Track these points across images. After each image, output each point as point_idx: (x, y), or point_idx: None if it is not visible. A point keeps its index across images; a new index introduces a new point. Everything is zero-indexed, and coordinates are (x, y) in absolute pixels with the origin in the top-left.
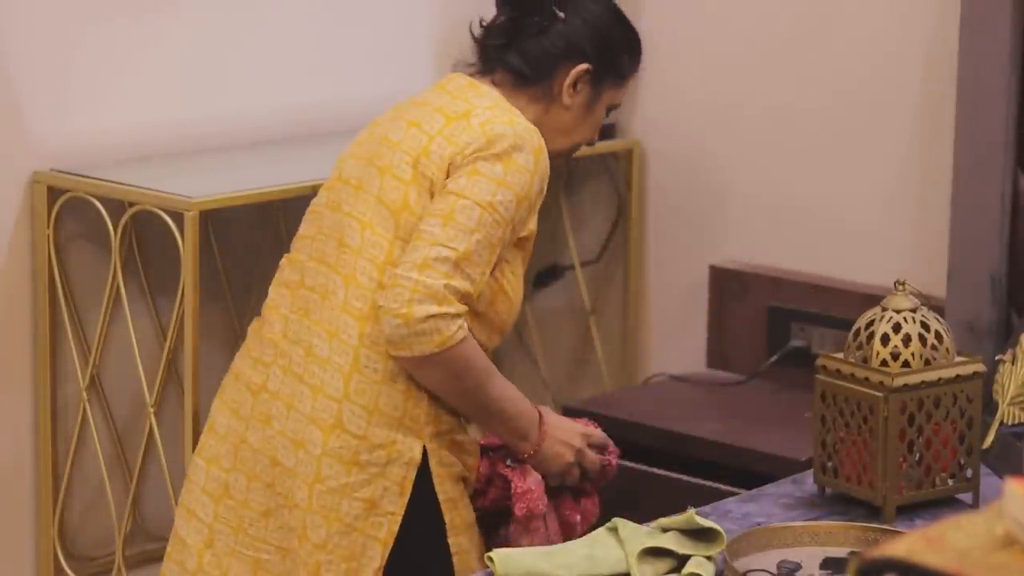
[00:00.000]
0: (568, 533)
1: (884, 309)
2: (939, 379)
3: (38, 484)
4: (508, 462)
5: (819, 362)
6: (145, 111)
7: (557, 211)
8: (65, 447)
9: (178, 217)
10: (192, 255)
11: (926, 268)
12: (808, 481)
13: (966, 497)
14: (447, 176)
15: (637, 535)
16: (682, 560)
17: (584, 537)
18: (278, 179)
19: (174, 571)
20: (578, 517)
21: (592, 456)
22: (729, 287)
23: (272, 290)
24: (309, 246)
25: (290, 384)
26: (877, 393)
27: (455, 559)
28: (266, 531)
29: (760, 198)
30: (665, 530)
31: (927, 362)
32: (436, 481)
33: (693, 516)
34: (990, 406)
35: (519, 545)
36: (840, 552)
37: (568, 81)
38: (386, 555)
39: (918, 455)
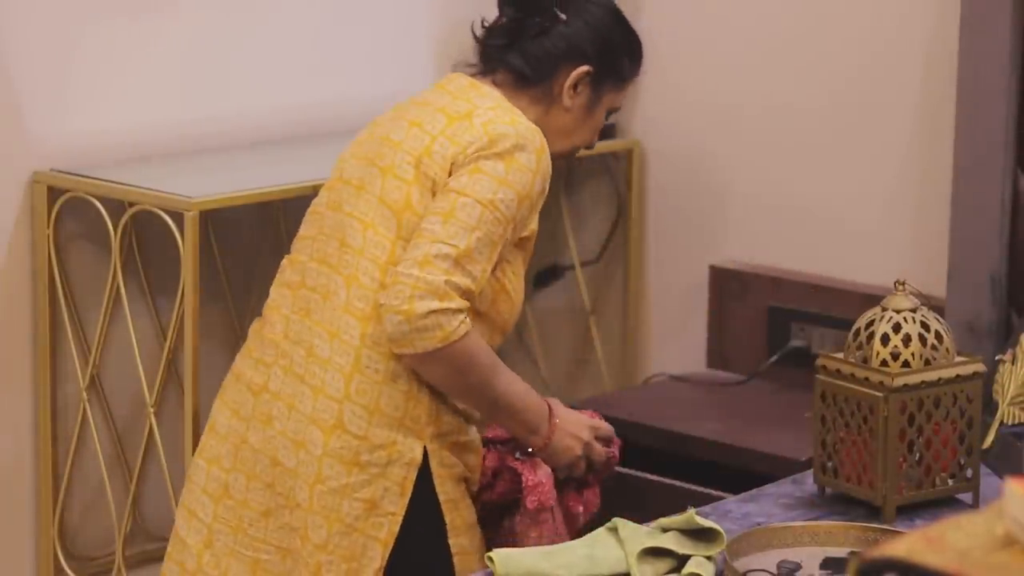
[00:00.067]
0: (571, 524)
1: (884, 309)
2: (939, 379)
3: (38, 484)
4: (517, 455)
5: (819, 362)
6: (145, 111)
7: (557, 211)
8: (65, 447)
9: (178, 217)
10: (192, 255)
11: (926, 268)
12: (808, 481)
13: (966, 497)
14: (449, 176)
15: (637, 535)
16: (682, 560)
17: (584, 537)
18: (278, 179)
19: (174, 571)
20: (581, 508)
21: (599, 449)
22: (729, 287)
23: (273, 291)
24: (310, 247)
25: (291, 384)
26: (877, 393)
27: (456, 560)
28: (266, 531)
29: (760, 198)
30: (665, 530)
31: (927, 362)
32: (437, 482)
33: (693, 516)
34: (990, 406)
35: (527, 537)
36: (840, 552)
37: (569, 82)
38: (386, 555)
39: (918, 455)
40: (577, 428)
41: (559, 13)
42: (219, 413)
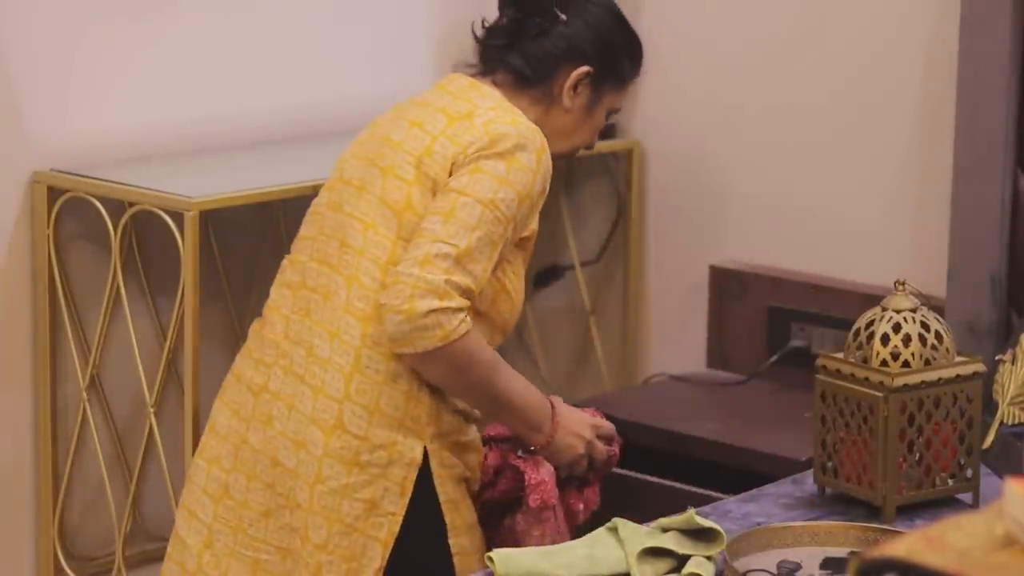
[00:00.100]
0: (571, 522)
1: (884, 309)
2: (939, 379)
3: (38, 484)
4: (519, 453)
5: (819, 362)
6: (145, 111)
7: (557, 211)
8: (65, 447)
9: (178, 217)
10: (192, 255)
11: (926, 268)
12: (808, 481)
13: (966, 497)
14: (450, 175)
15: (637, 535)
16: (682, 560)
17: (584, 537)
18: (278, 179)
19: (174, 571)
20: (581, 506)
21: (601, 447)
22: (729, 287)
23: (273, 291)
24: (310, 247)
25: (291, 385)
26: (877, 393)
27: (456, 560)
28: (266, 531)
29: (760, 198)
30: (665, 530)
31: (927, 362)
32: (437, 482)
33: (693, 516)
34: (990, 406)
35: (530, 536)
36: (840, 552)
37: (569, 83)
38: (387, 556)
39: (918, 455)
40: (579, 426)
41: (559, 13)
42: (219, 413)
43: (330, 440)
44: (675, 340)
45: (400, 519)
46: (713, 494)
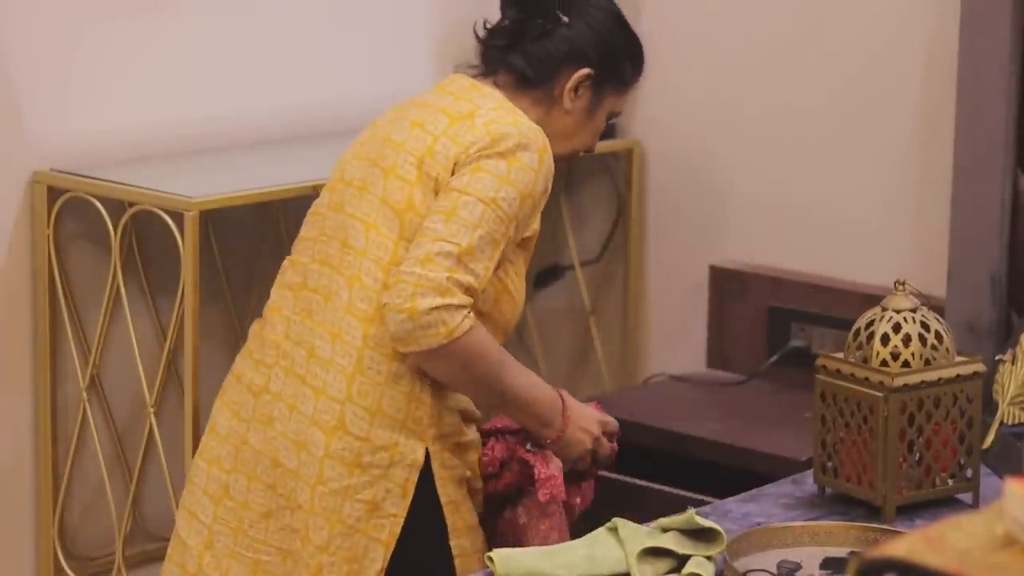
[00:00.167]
0: (568, 516)
1: (884, 309)
2: (939, 379)
3: (38, 484)
4: (528, 447)
5: (819, 362)
6: (145, 111)
7: (557, 211)
8: (65, 447)
9: (178, 217)
10: (192, 255)
11: (926, 268)
12: (808, 481)
13: (966, 497)
14: (452, 175)
15: (637, 535)
16: (682, 560)
17: (584, 537)
18: (278, 179)
19: (174, 572)
20: (578, 500)
21: (606, 444)
22: (729, 287)
23: (274, 292)
24: (311, 248)
25: (292, 385)
26: (877, 393)
27: (457, 561)
28: (266, 532)
29: (760, 198)
30: (665, 530)
31: (927, 362)
32: (438, 483)
33: (693, 516)
34: (990, 406)
35: (536, 529)
36: (840, 552)
37: (570, 85)
38: (388, 557)
39: (918, 455)
40: (587, 422)
41: (561, 15)
42: (219, 414)
43: (331, 441)
44: (675, 340)
45: (401, 520)
46: (706, 499)
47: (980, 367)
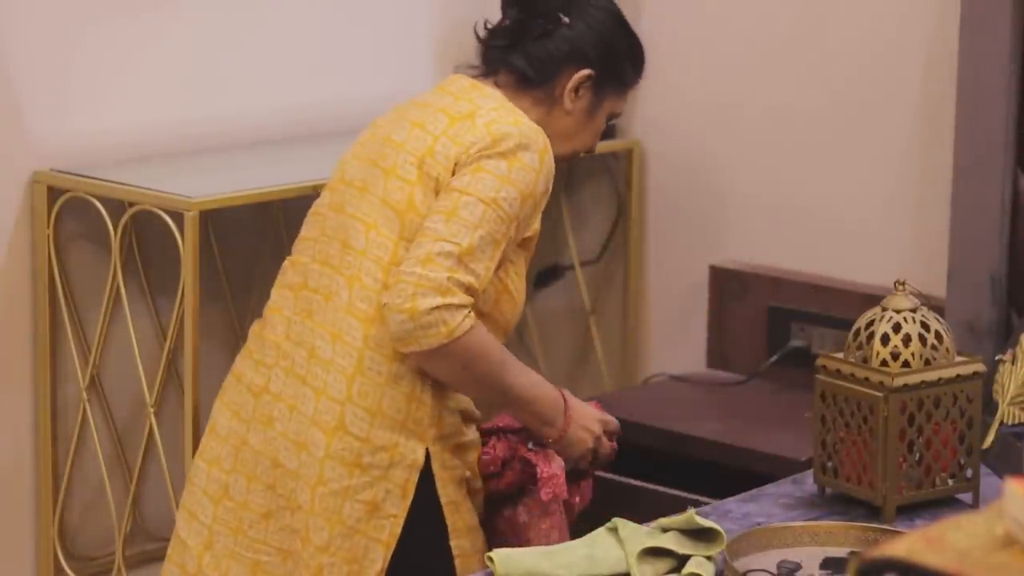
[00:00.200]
0: (568, 514)
1: (884, 309)
2: (939, 379)
3: (38, 484)
4: (530, 445)
5: (819, 362)
6: (145, 111)
7: (557, 211)
8: (65, 447)
9: (178, 217)
10: (192, 255)
11: (926, 268)
12: (808, 481)
13: (966, 497)
14: (453, 175)
15: (637, 535)
16: (682, 560)
17: (584, 537)
18: (278, 179)
19: (174, 573)
20: (577, 499)
21: (606, 442)
22: (729, 287)
23: (274, 292)
24: (312, 248)
25: (292, 386)
26: (877, 393)
27: (457, 562)
28: (266, 533)
29: (760, 198)
30: (665, 530)
31: (927, 362)
32: (439, 484)
33: (693, 516)
34: (990, 406)
35: (538, 528)
36: (840, 552)
37: (570, 85)
38: (388, 557)
39: (918, 455)
40: (589, 421)
41: (562, 16)
42: (219, 414)
43: (332, 442)
44: (675, 340)
45: (402, 521)
46: (706, 500)
47: (980, 367)
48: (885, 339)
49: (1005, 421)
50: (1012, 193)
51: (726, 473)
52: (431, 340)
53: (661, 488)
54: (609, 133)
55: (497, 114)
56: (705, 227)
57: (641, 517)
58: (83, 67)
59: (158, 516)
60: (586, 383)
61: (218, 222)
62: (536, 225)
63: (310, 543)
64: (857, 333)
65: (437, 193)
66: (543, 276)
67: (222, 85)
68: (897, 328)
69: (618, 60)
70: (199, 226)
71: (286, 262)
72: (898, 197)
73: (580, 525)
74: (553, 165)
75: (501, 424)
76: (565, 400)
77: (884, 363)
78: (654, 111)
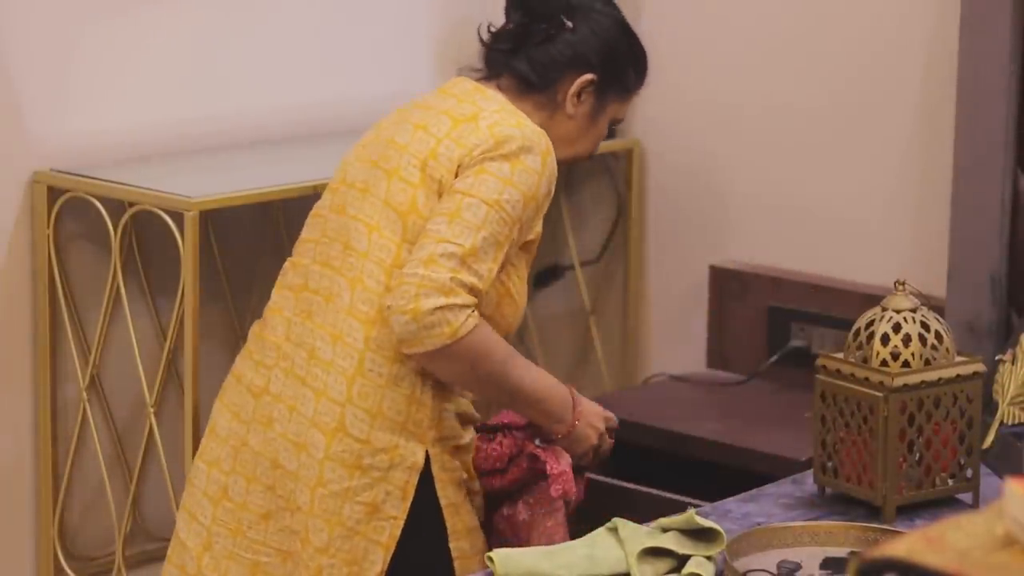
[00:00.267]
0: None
1: (884, 309)
2: (939, 379)
3: (38, 484)
4: (537, 442)
5: (819, 362)
6: (145, 111)
7: (557, 211)
8: (65, 447)
9: (178, 217)
10: (192, 255)
11: (926, 268)
12: (808, 481)
13: (966, 497)
14: (455, 178)
15: (637, 535)
16: (682, 560)
17: (584, 537)
18: (278, 179)
19: (173, 574)
20: (573, 496)
21: (608, 440)
22: (729, 287)
23: (275, 293)
24: (313, 249)
25: (292, 387)
26: (877, 393)
27: (456, 563)
28: (266, 534)
29: (760, 198)
30: (665, 530)
31: (927, 362)
32: (438, 486)
33: (693, 516)
34: (990, 406)
35: (543, 526)
36: (840, 552)
37: (573, 90)
38: (388, 559)
39: (918, 455)
40: (595, 418)
41: (566, 21)
42: (219, 415)
43: (332, 443)
44: (675, 340)
45: (401, 523)
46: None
47: (980, 367)
48: (885, 339)
49: (1005, 421)
50: (1012, 193)
51: (726, 473)
52: (435, 340)
53: (660, 492)
54: (609, 133)
55: (500, 116)
56: (705, 227)
57: (640, 519)
58: (83, 67)
59: (158, 516)
60: (586, 383)
61: (218, 222)
62: (538, 228)
63: (310, 544)
64: (857, 333)
65: (440, 195)
66: (543, 276)
67: (222, 85)
68: (897, 328)
69: (621, 65)
70: (199, 226)
71: (287, 263)
72: (898, 197)
73: (580, 525)
74: (555, 168)
75: (506, 420)
76: (573, 396)
77: (884, 363)
78: (654, 111)
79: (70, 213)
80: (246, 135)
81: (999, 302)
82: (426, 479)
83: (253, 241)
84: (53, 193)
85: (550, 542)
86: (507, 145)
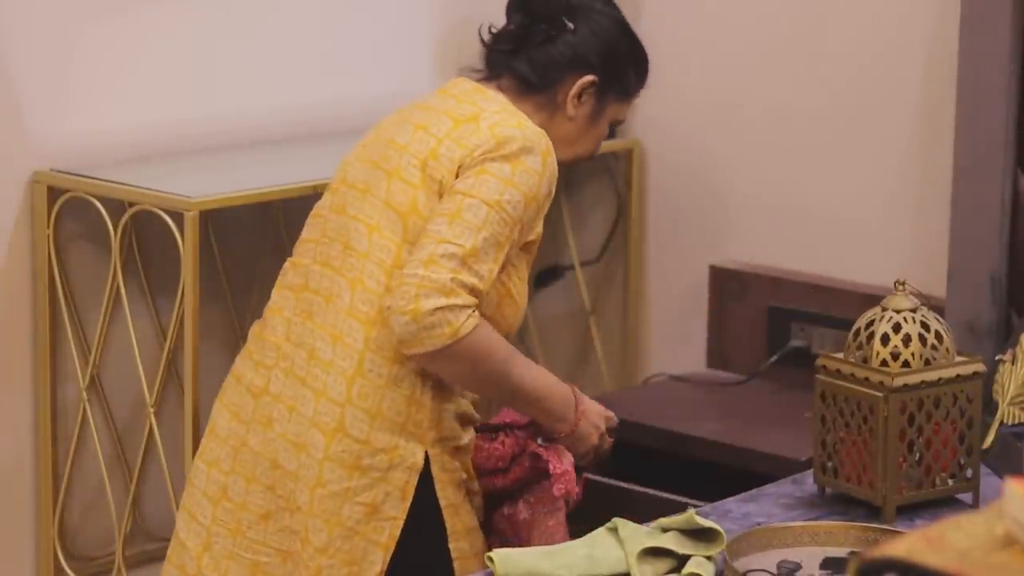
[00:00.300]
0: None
1: (884, 309)
2: (939, 379)
3: (38, 484)
4: (539, 441)
5: (819, 362)
6: (145, 111)
7: (557, 211)
8: (65, 447)
9: (178, 217)
10: (192, 255)
11: (926, 268)
12: (808, 481)
13: (966, 497)
14: (456, 178)
15: (637, 535)
16: (682, 560)
17: (584, 537)
18: (278, 179)
19: (173, 574)
20: (574, 496)
21: (608, 439)
22: (729, 287)
23: (275, 293)
24: (313, 250)
25: (292, 387)
26: (877, 393)
27: (456, 564)
28: (265, 534)
29: (760, 198)
30: (665, 530)
31: (927, 362)
32: (438, 486)
33: (693, 516)
34: (990, 406)
35: (544, 525)
36: (840, 552)
37: (573, 91)
38: (387, 560)
39: (918, 455)
40: (597, 417)
41: (567, 22)
42: (219, 415)
43: (331, 443)
44: (675, 340)
45: (401, 523)
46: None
47: (980, 367)
48: (885, 339)
49: (1005, 421)
50: (1012, 193)
51: (726, 473)
52: (435, 341)
53: (660, 493)
54: (609, 133)
55: (501, 117)
56: (705, 227)
57: (640, 520)
58: (83, 67)
59: (158, 516)
60: (586, 383)
61: (218, 222)
62: (539, 229)
63: (309, 544)
64: (857, 333)
65: (440, 196)
66: (543, 276)
67: (222, 85)
68: (897, 328)
69: (621, 67)
70: (199, 226)
71: (287, 263)
72: (898, 197)
73: (580, 525)
74: (556, 168)
75: (508, 420)
76: (575, 395)
77: (884, 363)
78: (654, 111)
79: (70, 213)
80: (246, 135)
81: (999, 302)
82: (426, 480)
83: (253, 241)
84: (53, 193)
85: (551, 541)
86: (508, 146)
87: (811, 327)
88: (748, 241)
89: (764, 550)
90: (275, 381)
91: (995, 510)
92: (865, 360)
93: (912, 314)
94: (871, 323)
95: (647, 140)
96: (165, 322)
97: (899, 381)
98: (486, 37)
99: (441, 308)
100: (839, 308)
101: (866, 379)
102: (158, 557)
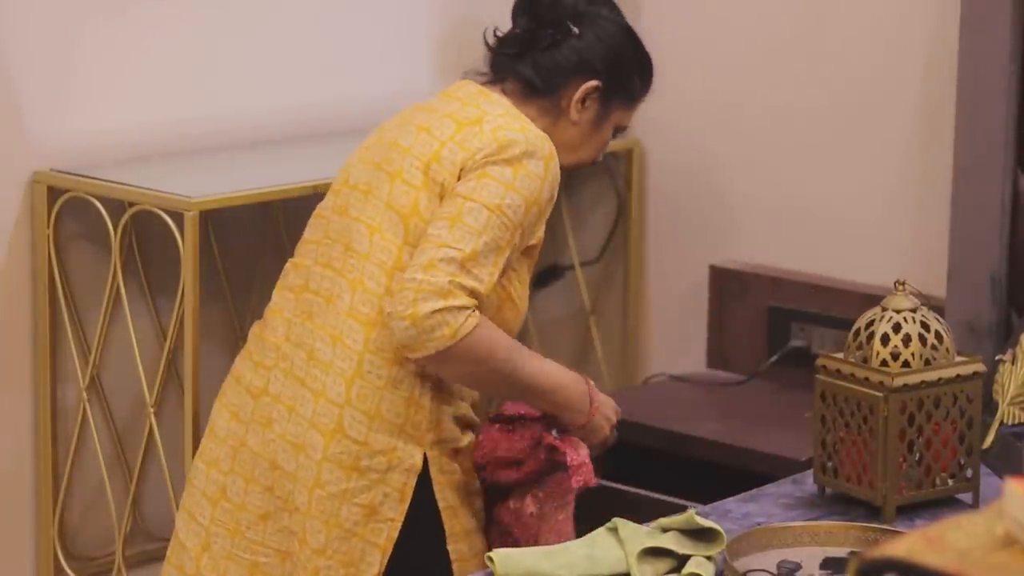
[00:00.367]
0: None
1: (884, 309)
2: (939, 379)
3: (38, 484)
4: (554, 433)
5: (819, 362)
6: (145, 111)
7: (557, 211)
8: (65, 447)
9: (178, 217)
10: (192, 255)
11: (926, 268)
12: (808, 481)
13: (966, 497)
14: (458, 181)
15: (637, 535)
16: (682, 560)
17: (584, 537)
18: (278, 179)
19: (172, 574)
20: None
21: (615, 433)
22: (729, 287)
23: (275, 294)
24: (314, 251)
25: (291, 388)
26: (877, 393)
27: (455, 566)
28: (264, 534)
29: (760, 198)
30: (665, 530)
31: (927, 362)
32: (436, 488)
33: (693, 516)
34: (990, 406)
35: (554, 520)
36: (840, 552)
37: (577, 96)
38: (385, 561)
39: (918, 455)
40: (609, 410)
41: (572, 27)
42: (218, 416)
43: (330, 444)
44: (675, 340)
45: (399, 525)
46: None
47: (980, 367)
48: (885, 339)
49: (1005, 421)
50: (1012, 193)
51: (726, 473)
52: (436, 343)
53: (660, 495)
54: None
55: (504, 121)
56: (705, 227)
57: (640, 521)
58: (83, 67)
59: (158, 516)
60: None
61: (218, 222)
62: (540, 233)
63: (307, 545)
64: (857, 333)
65: (442, 198)
66: (543, 276)
67: (222, 85)
68: (897, 328)
69: (626, 72)
70: (199, 226)
71: (288, 264)
72: (898, 197)
73: (580, 525)
74: (558, 173)
75: (523, 412)
76: (588, 385)
77: (884, 363)
78: (654, 111)
79: (70, 213)
80: (246, 135)
81: (999, 302)
82: (424, 481)
83: (253, 241)
84: (53, 193)
85: (561, 536)
86: (510, 149)
87: (811, 327)
88: (748, 241)
89: (764, 550)
90: (274, 382)
91: (995, 510)
92: (865, 360)
93: (912, 314)
94: (871, 323)
95: (647, 140)
96: (165, 322)
97: (899, 381)
98: (491, 40)
99: (439, 310)
100: (839, 308)
101: (866, 379)
102: (158, 557)
